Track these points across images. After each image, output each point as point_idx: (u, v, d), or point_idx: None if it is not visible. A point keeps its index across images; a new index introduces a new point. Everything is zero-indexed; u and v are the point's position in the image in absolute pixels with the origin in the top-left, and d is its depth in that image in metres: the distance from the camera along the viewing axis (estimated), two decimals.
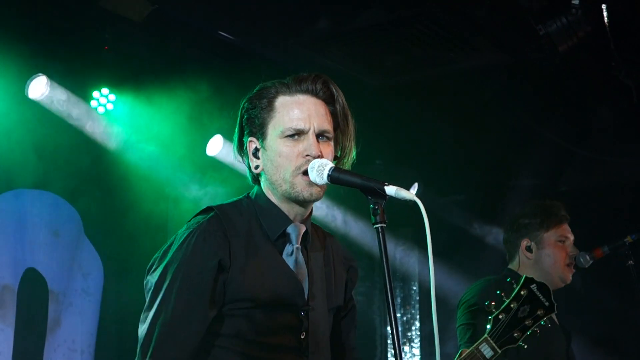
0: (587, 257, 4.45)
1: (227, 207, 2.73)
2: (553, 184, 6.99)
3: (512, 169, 7.22)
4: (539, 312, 3.03)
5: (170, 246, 2.64)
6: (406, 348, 7.93)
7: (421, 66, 6.16)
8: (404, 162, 7.32)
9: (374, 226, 2.39)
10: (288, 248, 2.70)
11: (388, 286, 2.33)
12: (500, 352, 2.91)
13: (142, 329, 2.55)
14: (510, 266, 4.48)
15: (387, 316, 2.31)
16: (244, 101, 2.76)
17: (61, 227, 5.57)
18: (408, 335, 7.99)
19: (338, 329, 2.90)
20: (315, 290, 2.71)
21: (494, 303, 3.01)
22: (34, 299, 5.35)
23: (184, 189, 6.03)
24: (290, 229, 2.71)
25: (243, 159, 2.79)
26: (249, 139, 2.72)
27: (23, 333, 5.22)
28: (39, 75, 5.15)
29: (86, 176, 5.52)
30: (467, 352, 2.82)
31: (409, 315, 8.05)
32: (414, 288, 8.10)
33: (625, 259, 4.48)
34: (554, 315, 4.38)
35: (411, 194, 2.35)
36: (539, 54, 5.60)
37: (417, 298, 8.08)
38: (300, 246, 2.72)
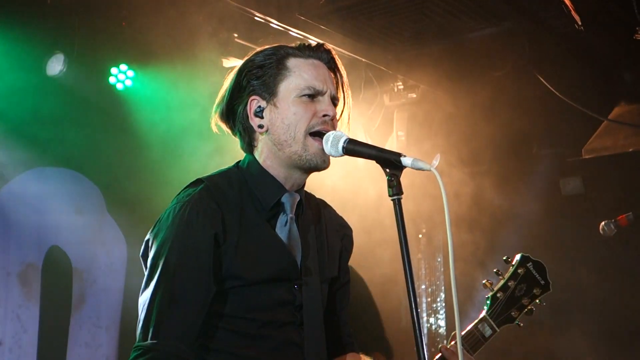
0: (612, 226, 4.41)
1: (217, 178, 2.64)
2: (577, 152, 6.90)
3: (534, 137, 7.13)
4: (534, 291, 3.05)
5: (161, 222, 2.56)
6: (432, 319, 7.93)
7: (441, 34, 6.08)
8: (424, 133, 7.26)
9: (391, 198, 2.34)
10: (282, 218, 2.62)
11: (405, 258, 2.30)
12: (498, 330, 2.94)
13: (141, 310, 2.48)
14: None
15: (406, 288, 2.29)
16: (243, 63, 2.67)
17: (84, 204, 5.60)
18: (433, 307, 7.98)
19: (332, 302, 2.83)
20: (309, 263, 2.64)
21: (491, 282, 3.04)
22: (58, 277, 5.40)
23: (208, 165, 6.01)
24: (284, 198, 2.63)
25: (235, 124, 2.68)
26: (251, 97, 2.62)
27: (48, 310, 5.28)
28: (57, 53, 5.16)
29: (107, 153, 5.53)
30: (466, 330, 2.85)
31: (434, 287, 8.03)
32: (439, 259, 8.07)
33: None
34: None
35: (428, 164, 2.29)
36: (561, 20, 5.51)
37: (442, 269, 8.05)
38: (294, 216, 2.64)
